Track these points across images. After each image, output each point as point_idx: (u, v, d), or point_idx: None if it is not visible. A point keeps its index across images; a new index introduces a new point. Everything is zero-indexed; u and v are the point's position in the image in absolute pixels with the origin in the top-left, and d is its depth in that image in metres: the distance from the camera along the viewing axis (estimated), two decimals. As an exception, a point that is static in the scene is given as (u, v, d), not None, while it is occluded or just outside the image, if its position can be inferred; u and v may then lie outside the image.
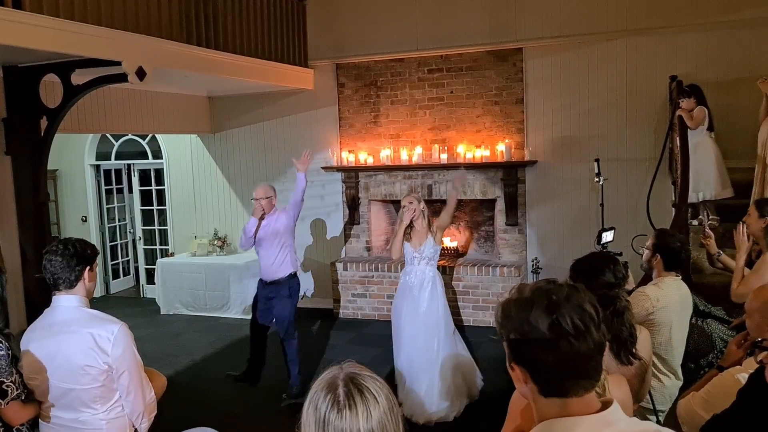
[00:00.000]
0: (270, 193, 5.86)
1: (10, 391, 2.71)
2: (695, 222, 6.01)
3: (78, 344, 2.65)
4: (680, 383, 3.60)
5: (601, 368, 1.40)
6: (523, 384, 1.40)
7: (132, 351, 2.74)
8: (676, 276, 3.61)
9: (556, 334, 1.32)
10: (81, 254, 2.74)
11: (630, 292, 3.83)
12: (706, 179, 6.05)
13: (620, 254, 4.88)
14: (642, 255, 3.86)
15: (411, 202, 5.17)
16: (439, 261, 7.99)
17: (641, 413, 3.28)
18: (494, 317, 1.46)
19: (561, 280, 1.48)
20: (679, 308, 3.56)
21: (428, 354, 5.07)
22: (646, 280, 4.07)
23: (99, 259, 10.68)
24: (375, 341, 7.26)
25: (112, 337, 2.67)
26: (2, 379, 2.70)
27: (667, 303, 3.48)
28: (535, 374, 1.37)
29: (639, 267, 4.01)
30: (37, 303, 5.34)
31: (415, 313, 5.16)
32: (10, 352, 2.77)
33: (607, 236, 5.39)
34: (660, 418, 3.39)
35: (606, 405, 1.39)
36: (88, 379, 2.66)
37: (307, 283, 8.98)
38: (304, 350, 7.05)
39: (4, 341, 2.78)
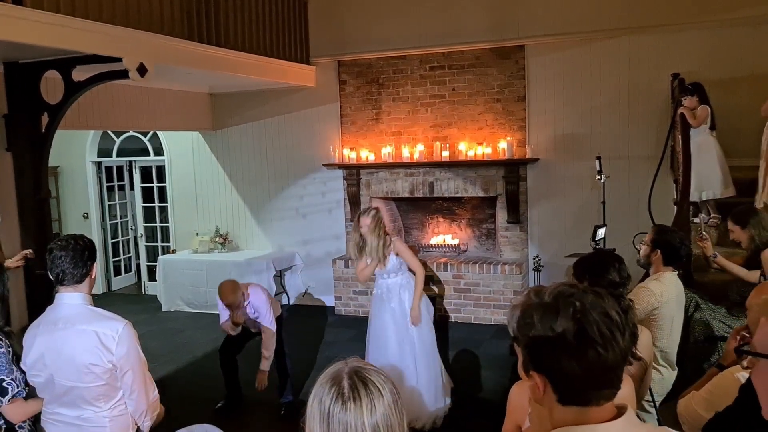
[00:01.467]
0: (240, 294, 5.12)
1: (11, 388, 2.70)
2: (696, 220, 6.00)
3: (82, 342, 2.63)
4: (675, 373, 3.70)
5: (623, 377, 1.36)
6: (540, 391, 1.36)
7: (136, 349, 2.73)
8: (674, 271, 3.69)
9: (583, 342, 1.27)
10: (91, 249, 2.75)
11: None
12: (709, 178, 6.04)
13: (613, 250, 4.92)
14: (639, 250, 3.91)
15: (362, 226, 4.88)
16: (441, 259, 8.03)
17: (640, 404, 3.34)
18: (509, 321, 1.40)
19: (565, 280, 1.45)
20: (677, 302, 3.66)
21: (403, 361, 4.94)
22: (647, 276, 4.08)
23: (101, 256, 10.71)
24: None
25: (117, 335, 2.65)
26: (2, 377, 2.70)
27: (669, 297, 3.56)
28: (556, 383, 1.32)
29: (636, 263, 4.03)
30: (38, 300, 5.35)
31: (389, 319, 5.03)
32: (10, 350, 2.77)
33: (601, 233, 5.44)
34: (656, 406, 3.44)
35: (621, 411, 1.35)
36: (92, 377, 2.65)
37: (308, 280, 8.99)
38: (305, 347, 7.07)
39: (4, 339, 2.77)
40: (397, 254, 4.97)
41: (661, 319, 3.54)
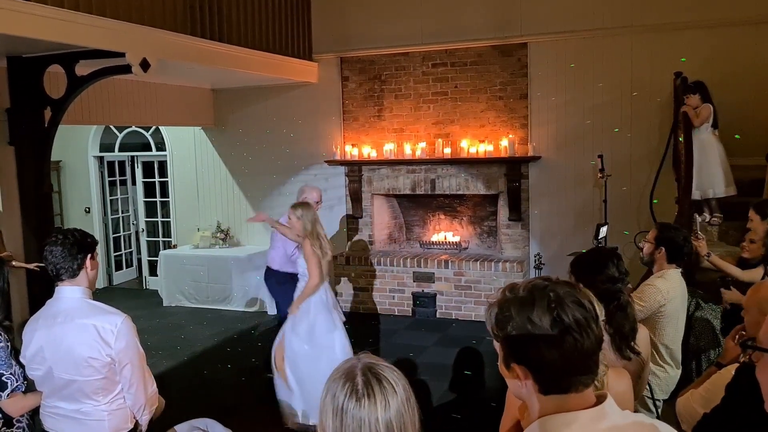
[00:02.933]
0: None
1: (10, 383, 2.71)
2: (699, 219, 6.00)
3: (81, 336, 2.65)
4: (680, 372, 3.72)
5: (599, 363, 1.40)
6: (521, 383, 1.40)
7: (135, 343, 2.74)
8: (677, 268, 3.70)
9: (561, 330, 1.32)
10: (81, 242, 2.74)
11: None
12: (711, 177, 6.03)
13: (615, 248, 4.91)
14: (642, 248, 3.91)
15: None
16: (442, 256, 8.04)
17: (642, 402, 3.38)
18: (487, 319, 1.44)
19: (554, 276, 1.47)
20: (682, 299, 3.68)
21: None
22: (650, 274, 4.08)
23: (102, 251, 10.64)
24: (377, 335, 7.28)
25: (116, 329, 2.66)
26: (2, 371, 2.71)
27: (674, 295, 3.58)
28: (537, 373, 1.37)
29: (639, 261, 4.04)
30: (39, 293, 5.36)
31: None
32: (9, 344, 2.78)
33: (603, 231, 5.43)
34: (658, 405, 3.47)
35: (601, 399, 1.39)
36: (91, 371, 2.66)
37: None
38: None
39: (3, 333, 2.78)
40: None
41: (667, 317, 3.56)
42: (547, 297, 1.35)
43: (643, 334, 2.89)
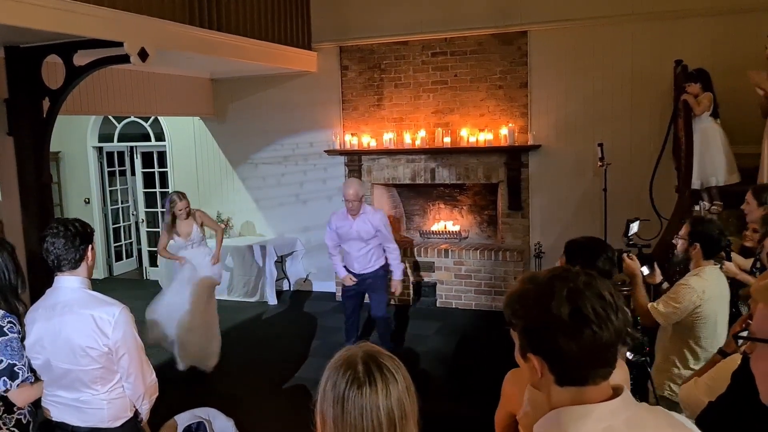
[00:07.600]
0: (362, 192, 5.84)
1: (21, 374, 2.73)
2: (697, 208, 5.99)
3: (79, 326, 2.66)
4: None
5: (617, 356, 1.38)
6: (537, 374, 1.38)
7: (132, 334, 2.75)
8: (715, 264, 3.46)
9: (579, 322, 1.30)
10: (83, 233, 2.75)
11: (659, 285, 3.67)
12: (713, 165, 6.01)
13: (648, 246, 4.58)
14: (677, 245, 3.66)
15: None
16: (442, 245, 8.04)
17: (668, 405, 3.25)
18: (505, 307, 1.43)
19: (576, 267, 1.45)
20: (721, 297, 3.44)
21: None
22: (684, 271, 3.92)
23: (102, 241, 10.57)
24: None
25: (113, 319, 2.68)
26: (15, 362, 2.72)
27: (711, 294, 3.34)
28: (554, 364, 1.35)
29: (673, 257, 3.87)
30: (40, 283, 5.35)
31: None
32: (21, 335, 2.79)
33: (634, 227, 4.84)
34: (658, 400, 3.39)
35: (617, 391, 1.38)
36: (88, 361, 2.68)
37: (309, 266, 9.01)
38: (307, 333, 7.10)
39: (17, 324, 2.79)
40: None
41: (704, 318, 3.31)
42: (567, 287, 1.32)
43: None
